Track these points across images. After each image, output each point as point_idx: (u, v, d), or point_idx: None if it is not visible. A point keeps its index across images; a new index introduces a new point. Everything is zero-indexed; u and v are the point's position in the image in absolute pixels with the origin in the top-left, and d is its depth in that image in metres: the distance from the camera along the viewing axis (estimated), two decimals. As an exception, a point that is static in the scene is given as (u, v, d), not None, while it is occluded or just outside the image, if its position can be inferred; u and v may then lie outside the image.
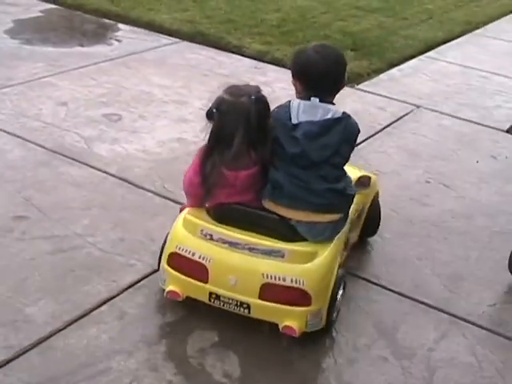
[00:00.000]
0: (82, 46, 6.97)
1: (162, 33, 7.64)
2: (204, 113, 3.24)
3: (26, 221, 4.02)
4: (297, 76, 3.34)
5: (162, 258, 3.41)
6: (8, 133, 5.02)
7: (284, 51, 7.22)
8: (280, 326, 3.20)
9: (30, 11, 8.02)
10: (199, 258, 3.25)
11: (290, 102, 3.28)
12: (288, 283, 3.16)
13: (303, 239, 3.25)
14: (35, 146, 4.88)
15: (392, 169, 5.11)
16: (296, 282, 3.16)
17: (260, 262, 3.19)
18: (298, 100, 3.29)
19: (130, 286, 3.56)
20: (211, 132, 3.22)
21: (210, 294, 3.27)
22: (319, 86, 3.27)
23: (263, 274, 3.17)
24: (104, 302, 3.43)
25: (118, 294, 3.50)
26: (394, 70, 7.33)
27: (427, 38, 8.47)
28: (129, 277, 3.62)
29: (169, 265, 3.36)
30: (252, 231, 3.24)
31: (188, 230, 3.33)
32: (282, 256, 3.19)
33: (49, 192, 4.35)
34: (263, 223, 3.26)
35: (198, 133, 5.01)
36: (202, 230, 3.29)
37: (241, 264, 3.22)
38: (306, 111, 3.23)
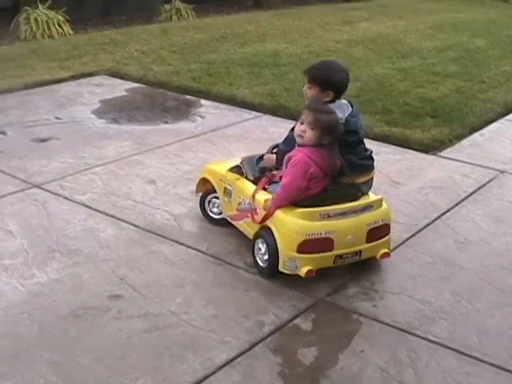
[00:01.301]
0: (166, 123, 7.17)
1: (243, 107, 7.83)
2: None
3: (121, 300, 4.13)
4: (333, 89, 4.54)
5: (285, 251, 4.26)
6: (100, 212, 5.18)
7: (365, 121, 7.23)
8: (378, 256, 4.53)
9: (116, 90, 8.32)
10: (326, 234, 4.25)
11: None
12: (380, 223, 4.47)
13: (363, 194, 4.53)
14: (127, 224, 5.02)
15: (480, 237, 5.07)
16: (383, 221, 4.50)
17: (363, 217, 4.40)
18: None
19: (225, 364, 3.60)
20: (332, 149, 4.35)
21: (335, 257, 4.34)
22: (344, 92, 4.64)
23: (367, 224, 4.40)
24: (201, 381, 3.48)
25: (213, 372, 3.54)
26: (476, 135, 7.32)
27: (507, 100, 8.46)
28: (224, 354, 3.67)
29: (300, 252, 4.23)
30: (341, 202, 4.35)
31: (308, 219, 4.26)
32: (372, 207, 4.46)
33: (142, 270, 4.46)
34: (345, 193, 4.43)
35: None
36: (320, 214, 4.27)
37: (354, 224, 4.36)
38: (343, 110, 4.54)
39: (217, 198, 5.02)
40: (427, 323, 4.02)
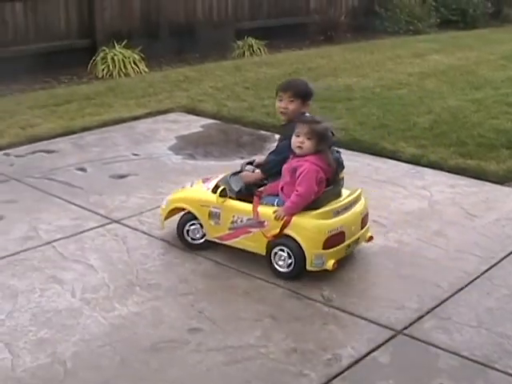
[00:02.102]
0: (241, 158, 7.25)
1: (316, 141, 7.83)
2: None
3: (200, 333, 4.19)
4: (310, 99, 5.14)
5: (312, 251, 4.72)
6: (177, 247, 5.27)
7: (439, 154, 7.28)
8: (366, 239, 5.15)
9: (191, 127, 8.47)
10: (340, 228, 4.81)
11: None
12: (366, 211, 5.14)
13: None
14: (204, 258, 5.11)
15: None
16: (366, 209, 5.15)
17: (357, 208, 5.02)
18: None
19: (305, 397, 3.64)
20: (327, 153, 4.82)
21: (346, 247, 4.90)
22: None
23: (361, 213, 5.05)
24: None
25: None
26: (554, 166, 7.21)
27: None
28: (303, 387, 3.70)
29: (325, 248, 4.72)
30: (335, 199, 4.92)
31: (326, 219, 4.78)
32: (360, 199, 5.08)
33: (220, 304, 4.53)
34: (337, 191, 5.01)
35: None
36: (333, 212, 4.82)
37: (354, 215, 4.97)
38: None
39: (193, 224, 5.20)
40: (506, 357, 3.98)
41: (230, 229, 5.03)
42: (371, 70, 11.95)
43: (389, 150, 7.49)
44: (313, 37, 15.41)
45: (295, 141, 4.78)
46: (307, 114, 5.09)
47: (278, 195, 4.92)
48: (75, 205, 5.88)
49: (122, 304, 4.51)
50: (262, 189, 5.06)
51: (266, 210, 4.87)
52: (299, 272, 4.80)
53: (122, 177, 6.78)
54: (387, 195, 6.29)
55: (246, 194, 5.07)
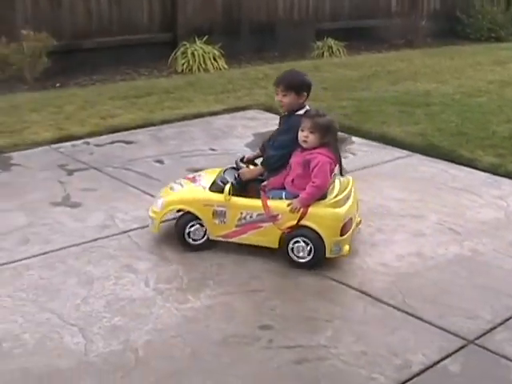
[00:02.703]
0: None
1: (393, 145, 7.82)
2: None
3: (271, 330, 4.21)
4: (306, 90, 5.15)
5: (331, 238, 4.88)
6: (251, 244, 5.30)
7: (521, 163, 7.17)
8: (357, 224, 5.32)
9: (268, 125, 8.45)
10: (349, 214, 5.02)
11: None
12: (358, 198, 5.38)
13: None
14: (276, 257, 5.10)
15: None
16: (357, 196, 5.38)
17: (354, 195, 5.24)
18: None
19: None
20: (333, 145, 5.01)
21: (352, 232, 5.10)
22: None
23: (357, 200, 5.31)
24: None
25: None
26: None
27: None
28: (372, 391, 3.70)
29: (342, 235, 4.90)
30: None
31: (340, 207, 4.95)
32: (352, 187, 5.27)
33: (292, 302, 4.55)
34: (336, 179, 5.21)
35: (435, 247, 5.15)
36: (343, 200, 5.00)
37: (355, 202, 5.25)
38: None
39: (193, 225, 5.16)
40: None
41: (237, 226, 5.08)
42: (451, 76, 11.80)
43: (466, 157, 7.39)
44: (393, 40, 15.28)
45: (300, 135, 4.93)
46: (307, 107, 5.19)
47: (282, 189, 5.05)
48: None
49: (195, 297, 4.56)
50: (265, 183, 5.14)
51: (278, 204, 4.97)
52: (319, 261, 4.94)
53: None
54: (463, 203, 6.21)
55: (240, 189, 5.15)
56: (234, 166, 5.42)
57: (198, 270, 4.93)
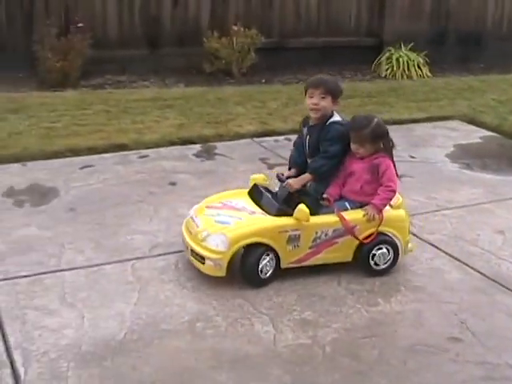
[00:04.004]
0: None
1: None
2: None
3: (460, 343, 4.15)
4: (339, 97, 5.00)
5: (405, 239, 4.96)
6: (447, 254, 5.25)
7: None
8: None
9: (470, 137, 8.36)
10: None
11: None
12: None
13: None
14: (472, 270, 5.04)
15: None
16: None
17: None
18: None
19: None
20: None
21: None
22: None
23: None
24: None
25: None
26: None
27: None
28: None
29: (410, 232, 5.11)
30: None
31: (403, 207, 5.07)
32: None
33: (484, 318, 4.45)
34: None
35: None
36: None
37: None
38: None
39: (264, 259, 4.65)
40: None
41: (310, 247, 4.77)
42: None
43: None
44: None
45: (352, 147, 4.86)
46: (337, 117, 4.99)
47: (338, 199, 4.91)
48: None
49: (385, 300, 4.58)
50: (326, 195, 4.90)
51: (354, 214, 4.82)
52: (392, 266, 4.94)
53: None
54: None
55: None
56: (260, 184, 5.12)
57: (391, 274, 4.93)
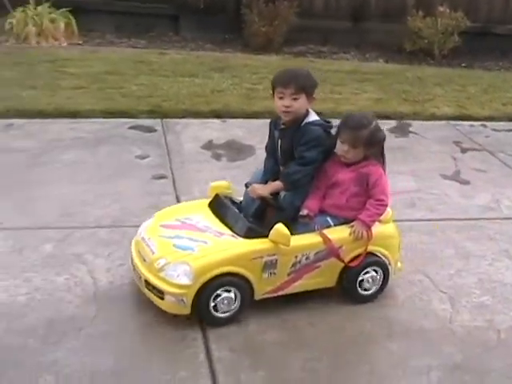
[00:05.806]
0: None
1: None
2: None
3: None
4: (314, 92, 4.09)
5: (395, 257, 4.30)
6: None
7: None
8: None
9: None
10: None
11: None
12: None
13: None
14: None
15: None
16: None
17: None
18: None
19: None
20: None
21: None
22: None
23: None
24: None
25: None
26: None
27: None
28: None
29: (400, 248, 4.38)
30: None
31: (392, 221, 4.35)
32: None
33: None
34: None
35: None
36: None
37: None
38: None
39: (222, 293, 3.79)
40: None
41: (289, 274, 3.99)
42: None
43: None
44: None
45: (340, 148, 4.06)
46: (311, 112, 4.13)
47: (320, 213, 4.10)
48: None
49: None
50: (305, 212, 4.04)
51: (339, 233, 4.05)
52: (383, 288, 4.27)
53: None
54: None
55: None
56: (223, 194, 4.31)
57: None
